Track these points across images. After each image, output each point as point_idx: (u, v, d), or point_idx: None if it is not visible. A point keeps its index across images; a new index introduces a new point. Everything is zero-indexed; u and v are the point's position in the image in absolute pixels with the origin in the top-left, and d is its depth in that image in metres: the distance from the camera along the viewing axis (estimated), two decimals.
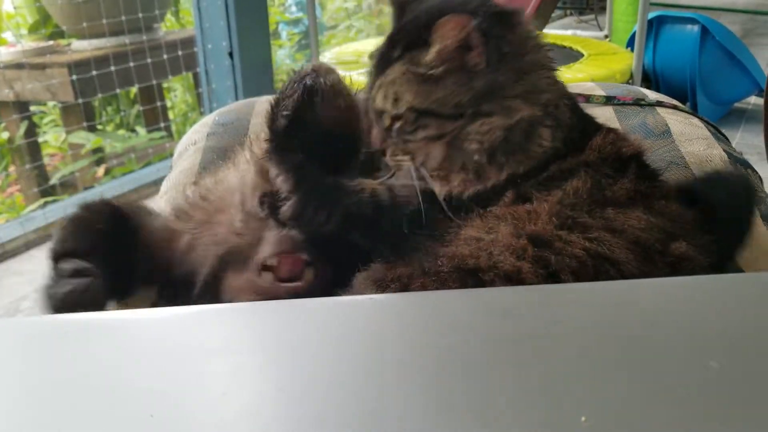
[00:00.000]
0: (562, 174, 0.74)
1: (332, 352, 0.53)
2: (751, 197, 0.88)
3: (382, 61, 0.76)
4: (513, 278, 0.66)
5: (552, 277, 0.66)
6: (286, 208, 0.74)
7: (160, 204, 1.12)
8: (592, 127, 0.81)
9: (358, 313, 0.59)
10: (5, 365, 0.54)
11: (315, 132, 0.79)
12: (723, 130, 1.23)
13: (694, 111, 1.28)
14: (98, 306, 0.77)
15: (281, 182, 0.75)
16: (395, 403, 0.47)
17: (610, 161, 0.75)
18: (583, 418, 0.44)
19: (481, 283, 0.66)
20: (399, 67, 0.74)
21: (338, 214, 0.74)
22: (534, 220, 0.70)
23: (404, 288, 0.68)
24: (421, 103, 0.74)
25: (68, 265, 0.78)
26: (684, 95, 3.31)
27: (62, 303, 0.75)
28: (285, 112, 0.78)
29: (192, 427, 0.46)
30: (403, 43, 0.75)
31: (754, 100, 3.54)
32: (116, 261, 0.81)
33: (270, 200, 0.77)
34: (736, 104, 3.59)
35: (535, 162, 0.75)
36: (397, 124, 0.75)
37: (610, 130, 0.80)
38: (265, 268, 0.77)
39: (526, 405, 0.46)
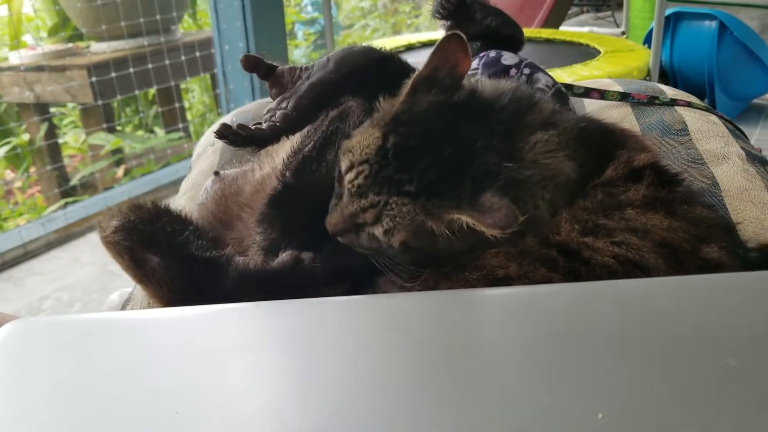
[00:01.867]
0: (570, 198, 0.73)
1: (351, 350, 0.54)
2: None
3: (385, 176, 0.68)
4: None
5: None
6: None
7: (180, 203, 1.13)
8: (604, 158, 0.77)
9: (378, 311, 0.60)
10: (31, 363, 0.56)
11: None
12: (741, 127, 1.22)
13: (712, 107, 1.27)
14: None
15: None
16: (414, 401, 0.47)
17: (622, 177, 0.74)
18: (599, 415, 0.44)
19: None
20: (408, 207, 0.67)
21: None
22: (556, 230, 0.69)
23: None
24: (418, 245, 0.69)
25: None
26: (702, 92, 3.28)
27: None
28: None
29: (215, 424, 0.47)
30: (421, 182, 0.67)
31: None
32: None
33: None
34: (755, 100, 3.55)
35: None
36: (375, 236, 0.70)
37: (623, 153, 0.78)
38: None
39: (544, 401, 0.47)
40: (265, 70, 0.86)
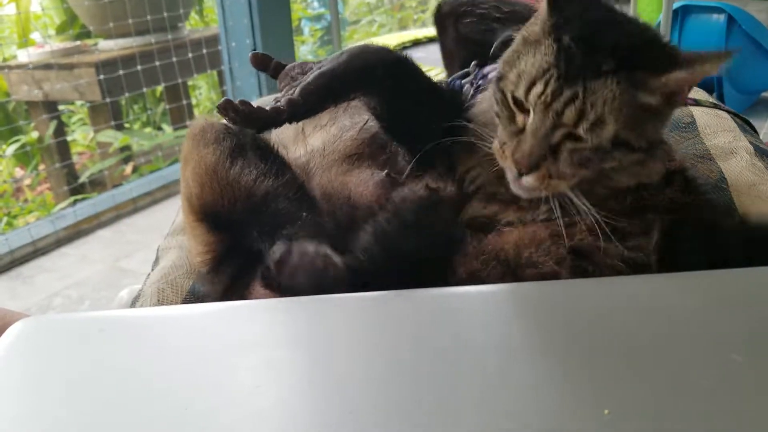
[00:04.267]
0: None
1: (363, 347, 0.54)
2: None
3: (577, 66, 0.64)
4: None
5: None
6: None
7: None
8: None
9: (389, 308, 0.60)
10: (42, 361, 0.56)
11: None
12: (750, 120, 1.22)
13: (720, 102, 1.26)
14: None
15: None
16: (425, 397, 0.48)
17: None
18: (606, 411, 0.44)
19: (519, 279, 0.66)
20: (614, 86, 0.63)
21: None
22: (572, 234, 0.68)
23: None
24: (627, 134, 0.65)
25: None
26: (710, 85, 3.26)
27: None
28: None
29: (226, 420, 0.47)
30: (618, 57, 0.64)
31: None
32: None
33: None
34: (764, 93, 3.53)
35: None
36: (575, 148, 0.65)
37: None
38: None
39: (550, 397, 0.47)
40: (273, 66, 0.86)
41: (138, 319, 0.64)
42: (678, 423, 0.44)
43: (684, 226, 0.69)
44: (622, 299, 0.59)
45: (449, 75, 1.05)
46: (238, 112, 0.72)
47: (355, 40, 4.51)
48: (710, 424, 0.44)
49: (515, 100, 0.68)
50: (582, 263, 0.67)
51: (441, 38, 1.09)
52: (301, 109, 0.75)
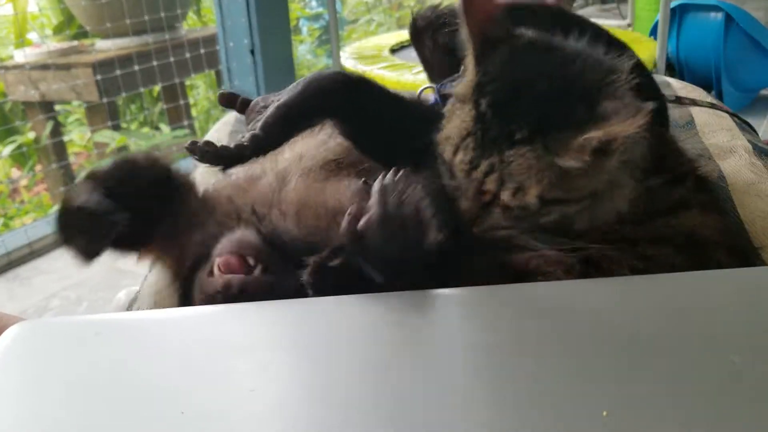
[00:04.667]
0: None
1: (359, 350, 0.54)
2: None
3: (493, 135, 0.64)
4: None
5: None
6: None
7: None
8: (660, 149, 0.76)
9: (386, 309, 0.59)
10: (38, 365, 0.56)
11: None
12: (749, 119, 1.22)
13: (719, 100, 1.26)
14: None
15: None
16: (421, 398, 0.47)
17: (665, 182, 0.73)
18: (604, 413, 0.44)
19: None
20: (528, 154, 0.62)
21: None
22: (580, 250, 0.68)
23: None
24: (554, 194, 0.64)
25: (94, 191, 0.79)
26: (709, 83, 3.26)
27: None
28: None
29: (221, 424, 0.47)
30: (533, 122, 0.62)
31: None
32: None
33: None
34: (762, 92, 3.53)
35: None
36: (507, 207, 0.65)
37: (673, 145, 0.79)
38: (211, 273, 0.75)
39: (549, 398, 0.47)
40: (240, 103, 0.88)
41: (134, 322, 0.63)
42: (677, 425, 0.43)
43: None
44: (621, 299, 0.58)
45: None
46: (203, 153, 0.74)
47: (353, 39, 4.51)
48: (709, 425, 0.43)
49: (448, 166, 0.68)
50: (590, 271, 0.66)
51: (419, 52, 1.09)
52: (263, 143, 0.76)
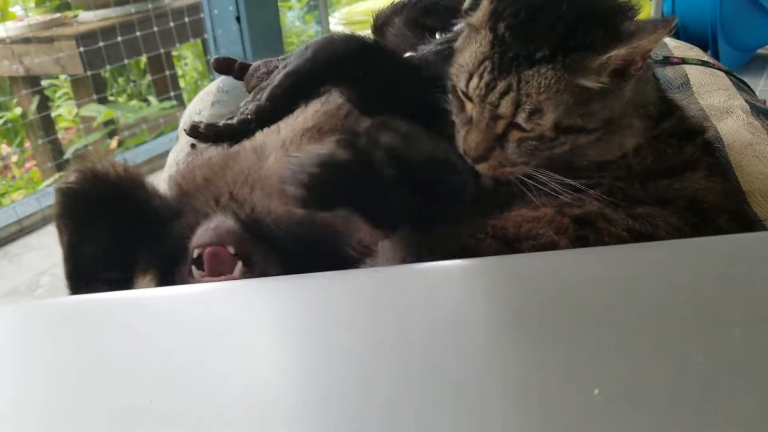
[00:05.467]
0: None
1: (338, 330, 0.51)
2: None
3: (511, 56, 0.64)
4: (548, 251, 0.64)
5: None
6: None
7: (166, 176, 1.10)
8: (665, 110, 0.76)
9: (370, 285, 0.57)
10: (5, 349, 0.54)
11: None
12: (746, 78, 1.18)
13: (716, 59, 1.23)
14: None
15: None
16: (408, 375, 0.45)
17: (677, 133, 0.72)
18: (596, 391, 0.42)
19: (515, 252, 0.64)
20: (548, 73, 0.62)
21: None
22: (582, 204, 0.66)
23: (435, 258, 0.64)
24: (570, 119, 0.64)
25: None
26: (705, 43, 3.21)
27: None
28: None
29: (192, 410, 0.44)
30: (554, 42, 0.63)
31: None
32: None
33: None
34: (759, 50, 3.49)
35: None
36: (522, 137, 0.65)
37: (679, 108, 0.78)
38: (194, 261, 0.73)
39: (539, 376, 0.44)
40: (238, 68, 0.84)
41: (100, 303, 0.60)
42: (671, 403, 0.41)
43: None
44: (615, 270, 0.56)
45: None
46: (206, 134, 0.70)
47: (342, 4, 4.43)
48: (704, 403, 0.41)
49: (457, 95, 0.68)
50: (584, 232, 0.64)
51: (385, 42, 1.07)
52: (269, 115, 0.73)
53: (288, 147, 0.82)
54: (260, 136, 0.83)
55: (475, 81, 0.65)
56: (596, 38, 0.62)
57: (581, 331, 0.48)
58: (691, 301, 0.50)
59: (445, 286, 0.56)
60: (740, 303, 0.49)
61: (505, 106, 0.64)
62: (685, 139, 0.72)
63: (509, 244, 0.65)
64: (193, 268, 0.72)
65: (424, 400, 0.43)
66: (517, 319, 0.50)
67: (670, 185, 0.68)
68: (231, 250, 0.71)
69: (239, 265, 0.70)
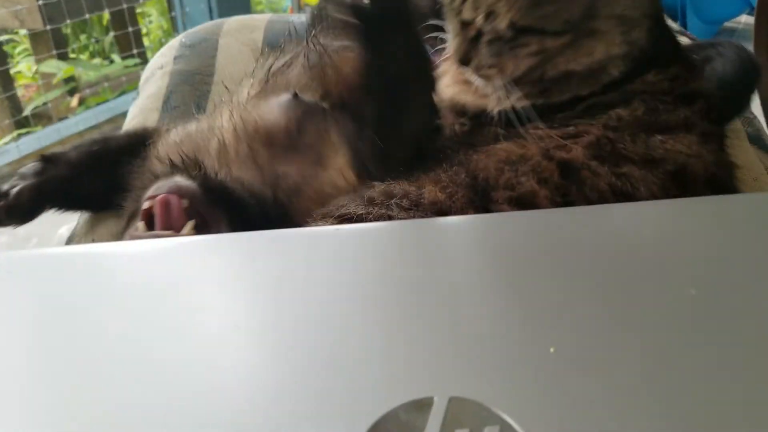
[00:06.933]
0: (618, 98, 0.71)
1: (323, 285, 0.49)
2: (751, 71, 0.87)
3: None
4: (526, 202, 0.63)
5: (567, 206, 0.63)
6: None
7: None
8: (667, 54, 0.76)
9: (349, 242, 0.55)
10: None
11: None
12: None
13: (684, 30, 1.23)
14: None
15: None
16: (365, 337, 0.44)
17: (674, 92, 0.71)
18: (551, 349, 0.41)
19: (489, 201, 0.64)
20: None
21: None
22: (569, 148, 0.66)
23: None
24: (524, 19, 0.66)
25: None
26: (674, 13, 3.22)
27: None
28: None
29: (146, 368, 0.43)
30: None
31: (745, 19, 3.45)
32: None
33: None
34: (727, 23, 3.51)
35: (599, 86, 0.72)
36: (488, 39, 0.69)
37: (687, 61, 0.77)
38: (144, 214, 0.71)
39: (493, 334, 0.44)
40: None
41: (57, 257, 0.58)
42: (629, 362, 0.41)
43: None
44: (584, 230, 0.55)
45: None
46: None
47: None
48: (663, 362, 0.41)
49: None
50: (566, 181, 0.64)
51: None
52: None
53: (248, 108, 0.80)
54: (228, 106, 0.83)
55: None
56: None
57: (541, 289, 0.47)
58: (654, 261, 0.50)
59: (412, 244, 0.55)
60: (702, 265, 0.49)
61: (466, 12, 0.69)
62: (682, 102, 0.71)
63: (484, 192, 0.65)
64: (140, 221, 0.69)
65: (396, 354, 0.42)
66: (474, 280, 0.50)
67: (662, 143, 0.67)
68: (185, 203, 0.69)
69: (190, 224, 0.68)
